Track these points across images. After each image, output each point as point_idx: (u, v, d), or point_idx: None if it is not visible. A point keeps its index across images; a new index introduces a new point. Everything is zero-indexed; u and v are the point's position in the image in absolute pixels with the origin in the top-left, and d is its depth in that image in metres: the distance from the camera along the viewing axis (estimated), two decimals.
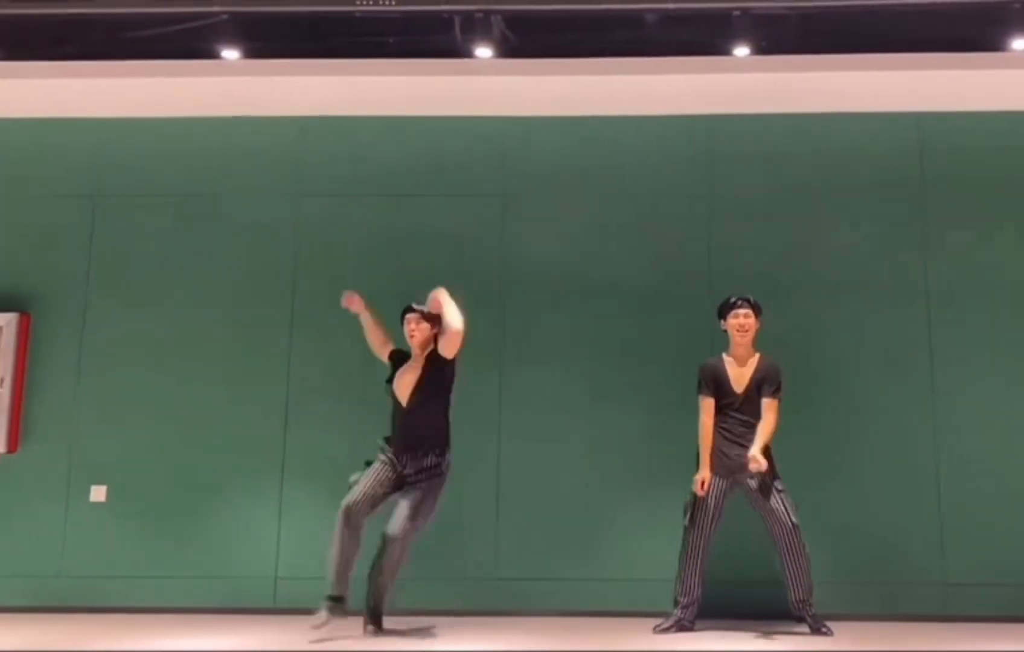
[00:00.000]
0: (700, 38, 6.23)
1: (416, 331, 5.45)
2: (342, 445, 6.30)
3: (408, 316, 5.50)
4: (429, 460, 5.26)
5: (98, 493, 6.34)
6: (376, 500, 5.27)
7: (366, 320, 5.64)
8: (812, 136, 6.63)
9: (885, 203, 6.53)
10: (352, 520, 5.20)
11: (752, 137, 6.64)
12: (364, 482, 5.28)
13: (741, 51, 6.14)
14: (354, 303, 5.60)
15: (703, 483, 5.42)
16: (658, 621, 5.54)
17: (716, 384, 5.55)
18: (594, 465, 6.25)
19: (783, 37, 6.20)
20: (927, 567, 6.07)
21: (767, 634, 5.43)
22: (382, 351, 5.62)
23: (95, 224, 6.69)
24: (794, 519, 5.38)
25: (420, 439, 5.28)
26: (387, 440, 5.38)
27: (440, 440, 5.32)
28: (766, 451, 5.39)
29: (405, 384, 5.38)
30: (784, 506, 5.40)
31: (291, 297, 6.55)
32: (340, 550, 5.17)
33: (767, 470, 5.33)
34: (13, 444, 6.39)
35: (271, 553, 6.25)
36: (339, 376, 6.37)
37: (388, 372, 5.53)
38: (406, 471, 5.27)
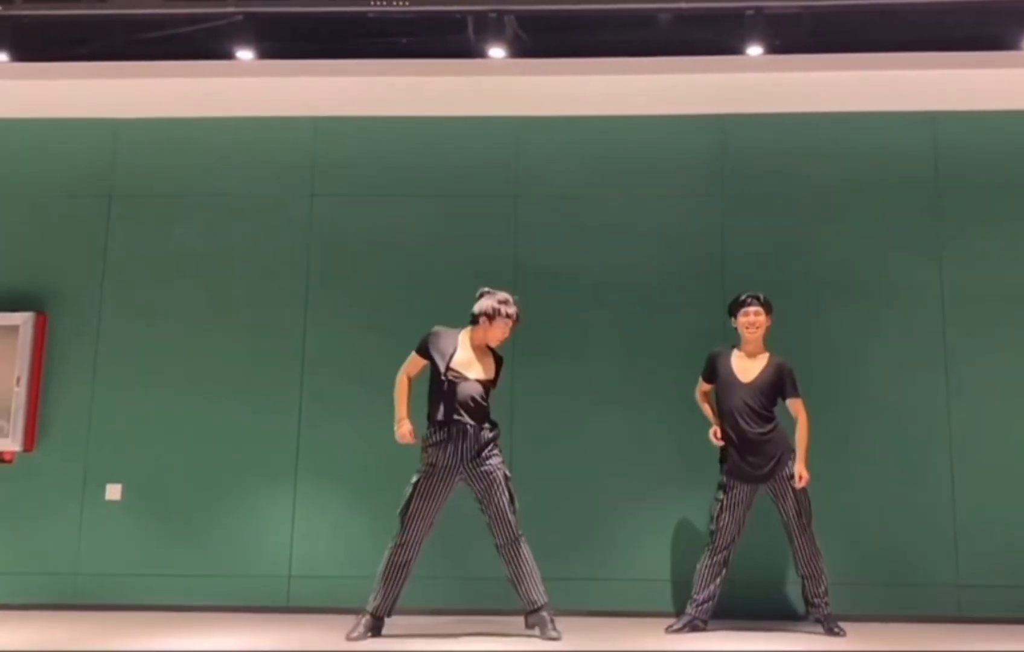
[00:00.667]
0: (713, 37, 6.21)
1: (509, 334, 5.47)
2: (356, 444, 6.33)
3: (510, 312, 5.42)
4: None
5: (113, 492, 6.38)
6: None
7: (403, 408, 5.44)
8: (825, 136, 6.61)
9: (899, 203, 6.50)
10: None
11: (765, 137, 6.62)
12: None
13: (754, 50, 6.12)
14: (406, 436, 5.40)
15: (715, 433, 5.57)
16: (670, 621, 5.55)
17: (718, 372, 5.62)
18: (606, 463, 6.24)
19: (796, 36, 6.18)
20: (941, 569, 6.04)
21: (780, 633, 5.43)
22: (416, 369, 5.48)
23: (111, 224, 6.73)
24: (807, 519, 5.42)
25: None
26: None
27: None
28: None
29: (474, 367, 5.38)
30: (799, 507, 5.42)
31: (305, 296, 6.57)
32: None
33: (785, 454, 5.46)
34: (30, 443, 6.43)
35: (285, 552, 6.27)
36: (353, 375, 6.39)
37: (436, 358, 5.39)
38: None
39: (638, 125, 6.67)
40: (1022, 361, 6.25)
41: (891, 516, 6.10)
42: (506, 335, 5.45)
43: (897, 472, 6.15)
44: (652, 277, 6.48)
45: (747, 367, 5.58)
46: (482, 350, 5.45)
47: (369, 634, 5.18)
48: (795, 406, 5.57)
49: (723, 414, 5.58)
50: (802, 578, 5.50)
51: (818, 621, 5.47)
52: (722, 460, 5.58)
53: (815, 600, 5.46)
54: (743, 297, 5.66)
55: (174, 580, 6.24)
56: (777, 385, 5.56)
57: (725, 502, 5.48)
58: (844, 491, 6.12)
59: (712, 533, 5.52)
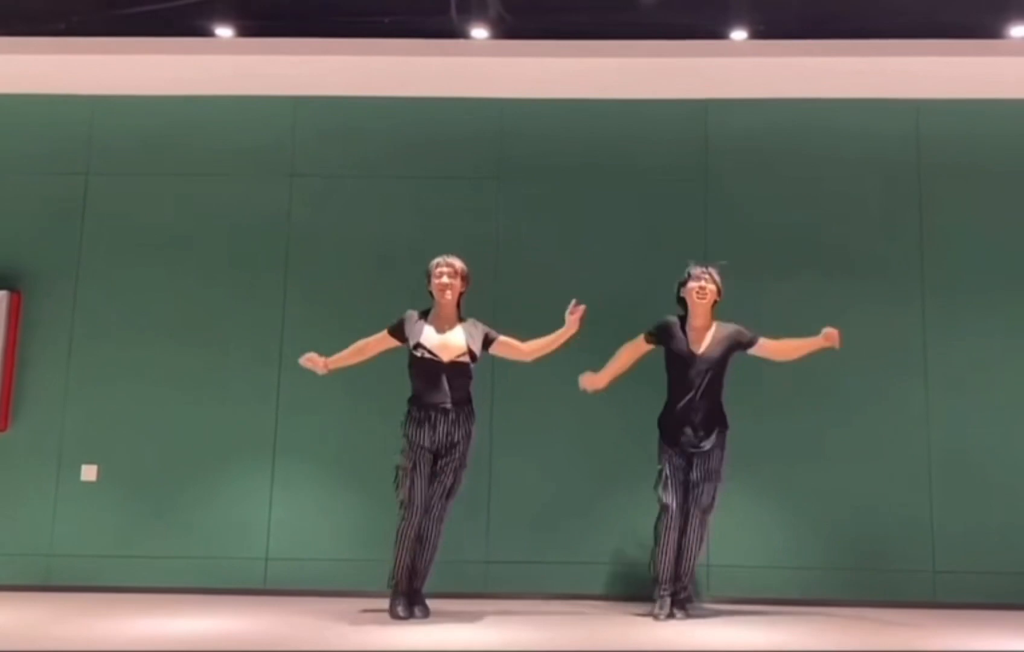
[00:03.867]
0: (697, 21, 6.19)
1: (452, 286, 5.34)
2: (335, 426, 6.30)
3: (437, 264, 5.37)
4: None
5: (89, 472, 6.33)
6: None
7: (340, 360, 5.42)
8: (809, 122, 6.61)
9: (882, 190, 6.52)
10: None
11: (749, 122, 6.61)
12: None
13: (738, 35, 6.10)
14: (316, 364, 5.38)
15: (586, 381, 5.57)
16: (649, 608, 5.52)
17: (668, 340, 5.50)
18: (586, 452, 6.24)
19: (781, 21, 6.17)
20: (918, 555, 6.08)
21: (767, 620, 5.43)
22: (378, 346, 5.43)
23: (87, 201, 6.65)
24: (707, 502, 5.34)
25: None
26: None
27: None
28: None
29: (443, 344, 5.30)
30: (706, 485, 5.34)
31: (284, 276, 6.52)
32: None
33: (718, 433, 5.37)
34: (3, 423, 6.36)
35: (262, 534, 6.24)
36: (332, 355, 6.33)
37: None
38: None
39: (621, 109, 6.64)
40: (1001, 348, 6.29)
41: (868, 502, 6.13)
42: (450, 290, 5.31)
43: (874, 458, 6.18)
44: (633, 262, 6.46)
45: (699, 340, 5.46)
46: (449, 322, 5.35)
47: (401, 610, 5.11)
48: (763, 346, 5.50)
49: (673, 387, 5.46)
50: (681, 550, 5.35)
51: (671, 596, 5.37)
52: (661, 430, 5.48)
53: (685, 579, 5.37)
54: (691, 267, 5.55)
55: (150, 562, 6.20)
56: (733, 343, 5.47)
57: (667, 467, 5.40)
58: (821, 477, 6.14)
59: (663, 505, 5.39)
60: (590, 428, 6.27)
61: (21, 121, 6.75)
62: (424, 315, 5.38)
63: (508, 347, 5.52)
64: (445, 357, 5.27)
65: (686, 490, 5.38)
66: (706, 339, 5.47)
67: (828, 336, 5.42)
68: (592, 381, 5.59)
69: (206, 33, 6.29)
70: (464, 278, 5.43)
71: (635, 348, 5.61)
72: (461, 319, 5.42)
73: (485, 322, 5.50)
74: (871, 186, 6.52)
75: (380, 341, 5.41)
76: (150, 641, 4.76)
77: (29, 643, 4.62)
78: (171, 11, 6.26)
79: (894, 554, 6.07)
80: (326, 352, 6.30)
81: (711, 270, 5.55)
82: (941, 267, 6.39)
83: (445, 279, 5.33)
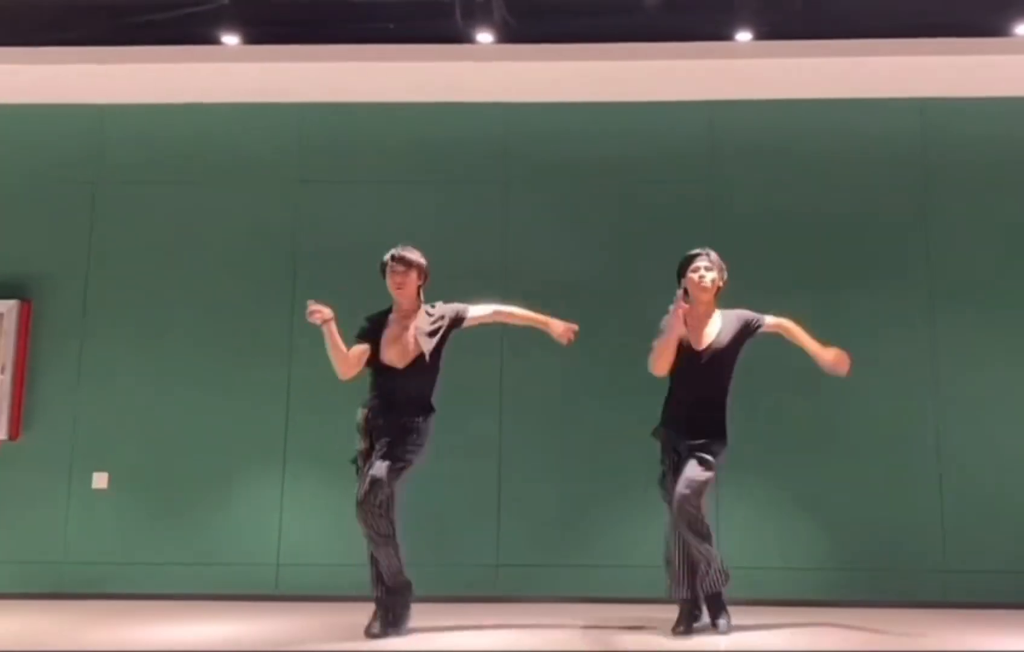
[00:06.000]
0: (702, 23, 6.20)
1: (405, 281, 5.03)
2: (344, 431, 6.29)
3: (388, 260, 5.07)
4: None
5: (100, 480, 6.36)
6: None
7: (330, 333, 4.98)
8: (814, 122, 6.61)
9: (887, 189, 6.51)
10: None
11: (754, 123, 6.62)
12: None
13: (743, 36, 6.10)
14: (321, 314, 4.92)
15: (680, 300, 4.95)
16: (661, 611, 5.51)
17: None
18: (596, 455, 6.24)
19: (785, 22, 6.18)
20: (927, 554, 6.07)
21: (775, 621, 5.43)
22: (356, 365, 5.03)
23: (96, 211, 6.68)
24: (684, 491, 4.81)
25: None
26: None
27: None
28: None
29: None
30: (688, 475, 4.84)
31: (292, 283, 6.54)
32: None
33: (713, 442, 4.92)
34: (15, 431, 6.40)
35: (273, 540, 6.26)
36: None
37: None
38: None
39: (626, 112, 6.65)
40: (1010, 347, 6.27)
41: (877, 502, 6.12)
42: (403, 285, 5.01)
43: (884, 458, 6.17)
44: (640, 264, 6.47)
45: (700, 334, 5.05)
46: (404, 324, 5.05)
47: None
48: (774, 324, 5.09)
49: (675, 378, 5.05)
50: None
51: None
52: (662, 424, 5.13)
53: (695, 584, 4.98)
54: (692, 252, 5.17)
55: (162, 568, 6.22)
56: (739, 334, 5.06)
57: (668, 469, 5.08)
58: (830, 476, 6.14)
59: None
60: (599, 430, 6.27)
61: (30, 131, 6.79)
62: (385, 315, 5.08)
63: (477, 319, 5.17)
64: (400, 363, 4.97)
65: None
66: (709, 331, 5.07)
67: (839, 358, 5.02)
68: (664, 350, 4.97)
69: (213, 41, 6.31)
70: (420, 271, 5.10)
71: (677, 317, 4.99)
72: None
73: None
74: (877, 185, 6.51)
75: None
76: (163, 647, 4.78)
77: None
78: (178, 20, 6.29)
79: (903, 554, 6.06)
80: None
81: (711, 253, 5.15)
82: (949, 266, 6.39)
83: (401, 276, 5.03)
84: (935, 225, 6.44)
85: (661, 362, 5.04)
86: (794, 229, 6.48)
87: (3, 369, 6.40)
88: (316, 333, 6.37)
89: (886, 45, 6.18)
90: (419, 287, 5.14)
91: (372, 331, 5.08)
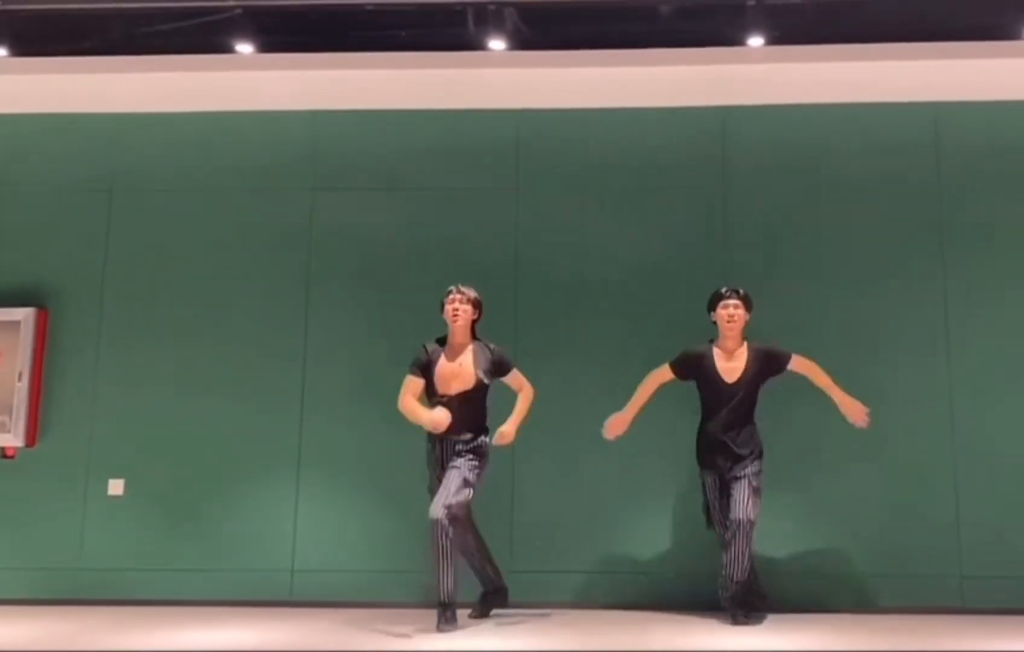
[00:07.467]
0: (714, 29, 6.20)
1: (461, 311, 5.48)
2: (358, 437, 6.33)
3: (449, 294, 5.52)
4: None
5: (116, 487, 6.39)
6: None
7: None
8: (827, 127, 6.59)
9: (902, 193, 6.48)
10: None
11: (767, 128, 6.60)
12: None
13: (756, 41, 6.10)
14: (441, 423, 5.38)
15: (611, 429, 5.63)
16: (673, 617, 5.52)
17: (698, 372, 5.59)
18: (610, 460, 6.22)
19: (798, 27, 6.17)
20: (944, 559, 6.03)
21: (792, 626, 5.41)
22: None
23: (112, 218, 6.73)
24: (749, 515, 5.35)
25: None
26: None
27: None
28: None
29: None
30: (745, 498, 5.38)
31: (306, 289, 6.56)
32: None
33: (752, 456, 5.45)
34: (32, 438, 6.44)
35: (288, 546, 6.27)
36: (355, 368, 6.39)
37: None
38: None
39: (638, 117, 6.65)
40: None
41: (894, 507, 6.09)
42: (462, 316, 5.47)
43: (900, 463, 6.14)
44: (653, 269, 6.47)
45: (730, 368, 5.55)
46: (459, 350, 5.47)
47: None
48: (797, 363, 5.56)
49: (707, 412, 5.58)
50: (724, 562, 5.40)
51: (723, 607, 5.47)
52: (698, 453, 5.62)
53: (727, 585, 5.41)
54: (722, 290, 5.66)
55: (177, 575, 6.24)
56: (765, 369, 5.56)
57: (707, 491, 5.60)
58: (846, 483, 6.10)
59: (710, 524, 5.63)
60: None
61: (47, 139, 6.84)
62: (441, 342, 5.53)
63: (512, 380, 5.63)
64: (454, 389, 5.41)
65: (726, 513, 5.44)
66: (738, 363, 5.55)
67: (859, 411, 5.52)
68: (616, 426, 5.64)
69: (226, 50, 6.35)
70: (476, 305, 5.55)
71: (660, 376, 5.68)
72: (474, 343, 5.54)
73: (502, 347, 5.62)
74: (891, 189, 6.49)
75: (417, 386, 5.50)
76: None
77: None
78: (192, 29, 6.34)
79: (920, 559, 6.02)
80: (347, 363, 6.40)
81: (741, 291, 5.63)
82: (963, 269, 6.36)
83: (456, 305, 5.48)
84: (950, 228, 6.41)
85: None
86: (807, 233, 6.46)
87: (20, 376, 6.45)
88: (330, 339, 6.45)
89: (899, 49, 6.16)
90: (474, 322, 5.55)
91: (427, 366, 5.48)
